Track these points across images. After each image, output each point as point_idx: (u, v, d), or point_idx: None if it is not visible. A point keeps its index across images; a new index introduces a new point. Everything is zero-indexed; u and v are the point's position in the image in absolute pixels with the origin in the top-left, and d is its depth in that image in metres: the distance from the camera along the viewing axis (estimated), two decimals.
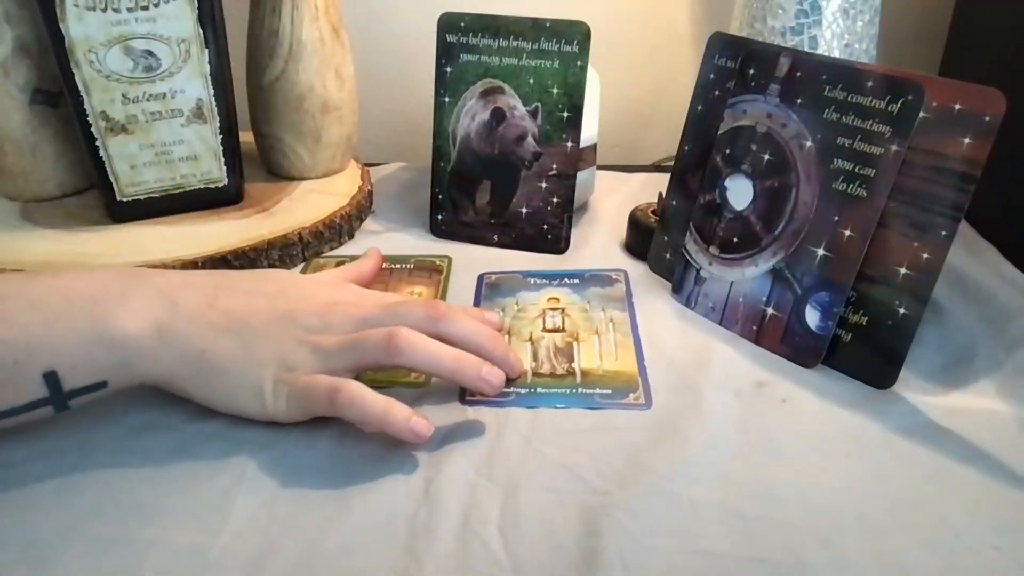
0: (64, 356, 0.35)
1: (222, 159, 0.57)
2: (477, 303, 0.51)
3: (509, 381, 0.43)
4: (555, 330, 0.48)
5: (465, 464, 0.37)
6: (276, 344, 0.38)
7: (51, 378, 0.35)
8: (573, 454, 0.38)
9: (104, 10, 0.49)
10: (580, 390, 0.43)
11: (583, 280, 0.54)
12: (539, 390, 0.43)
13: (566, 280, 0.54)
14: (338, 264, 0.55)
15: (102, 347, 0.36)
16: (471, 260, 0.57)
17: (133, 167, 0.55)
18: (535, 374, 0.44)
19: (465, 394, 0.42)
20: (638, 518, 0.34)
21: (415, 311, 0.40)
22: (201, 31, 0.52)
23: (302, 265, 0.56)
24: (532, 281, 0.54)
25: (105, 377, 0.37)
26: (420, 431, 0.37)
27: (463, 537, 0.33)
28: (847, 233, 0.43)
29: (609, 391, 0.43)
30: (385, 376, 0.43)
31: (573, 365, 0.45)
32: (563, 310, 0.50)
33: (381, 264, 0.50)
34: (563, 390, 0.43)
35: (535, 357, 0.45)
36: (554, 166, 0.57)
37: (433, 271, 0.55)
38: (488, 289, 0.53)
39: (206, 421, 0.39)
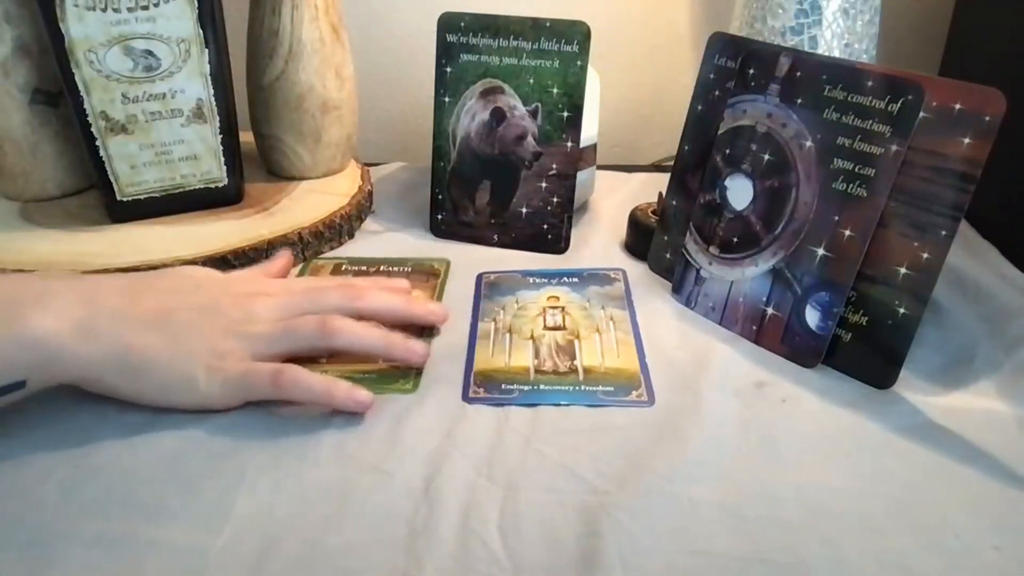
0: None
1: (222, 159, 0.57)
2: (477, 302, 0.51)
3: (507, 375, 0.43)
4: (556, 328, 0.48)
5: (465, 464, 0.37)
6: (203, 335, 0.40)
7: None
8: (573, 454, 0.38)
9: (104, 10, 0.49)
10: (583, 387, 0.43)
11: (582, 279, 0.54)
12: (542, 387, 0.43)
13: (565, 279, 0.54)
14: (336, 266, 0.55)
15: (18, 346, 0.36)
16: (471, 260, 0.57)
17: (133, 167, 0.55)
18: (537, 371, 0.44)
19: (468, 392, 0.42)
20: (638, 518, 0.34)
21: (333, 295, 0.44)
22: (201, 31, 0.52)
23: (300, 266, 0.56)
24: (531, 280, 0.54)
25: (23, 376, 0.37)
26: (362, 399, 0.40)
27: (463, 537, 0.33)
28: (847, 233, 0.43)
29: (612, 388, 0.43)
30: (377, 384, 0.42)
31: (575, 362, 0.45)
32: (563, 308, 0.50)
33: (291, 266, 0.51)
34: (566, 387, 0.43)
35: (537, 355, 0.45)
36: (554, 166, 0.57)
37: (431, 275, 0.55)
38: (487, 288, 0.53)
39: (205, 421, 0.39)
